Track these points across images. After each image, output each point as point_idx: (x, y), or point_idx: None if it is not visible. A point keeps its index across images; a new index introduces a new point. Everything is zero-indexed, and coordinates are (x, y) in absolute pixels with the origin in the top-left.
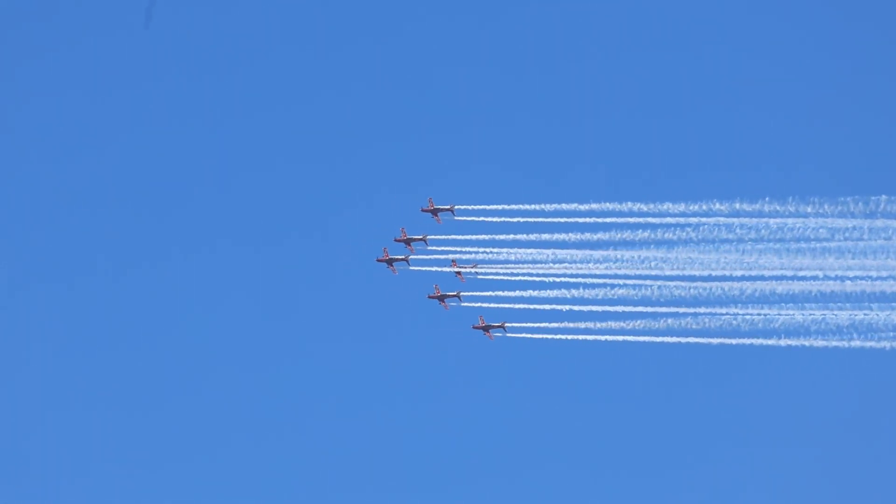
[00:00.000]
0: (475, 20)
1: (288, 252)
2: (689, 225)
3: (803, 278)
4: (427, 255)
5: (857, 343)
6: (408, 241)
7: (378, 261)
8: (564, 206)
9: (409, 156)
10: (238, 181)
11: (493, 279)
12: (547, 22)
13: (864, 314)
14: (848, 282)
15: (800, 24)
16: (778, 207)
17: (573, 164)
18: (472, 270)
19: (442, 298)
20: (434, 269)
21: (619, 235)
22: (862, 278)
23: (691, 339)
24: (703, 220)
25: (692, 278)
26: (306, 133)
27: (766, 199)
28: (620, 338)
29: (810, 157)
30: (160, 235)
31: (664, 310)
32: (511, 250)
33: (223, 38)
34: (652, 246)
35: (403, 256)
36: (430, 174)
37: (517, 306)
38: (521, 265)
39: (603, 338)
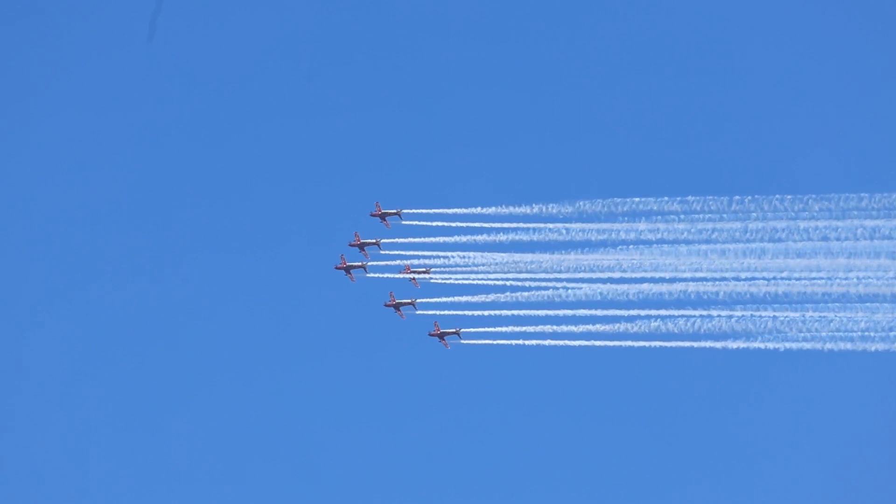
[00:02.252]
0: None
1: (254, 262)
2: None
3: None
4: (382, 260)
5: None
6: (361, 246)
7: (336, 268)
8: (513, 210)
9: (355, 159)
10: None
11: (446, 283)
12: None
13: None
14: (850, 283)
15: (799, 22)
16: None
17: (525, 166)
18: (426, 275)
19: (397, 307)
20: (391, 275)
21: (577, 236)
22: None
23: (655, 343)
24: (658, 224)
25: (652, 280)
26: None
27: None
28: (579, 342)
29: (812, 155)
30: (161, 245)
31: (624, 312)
32: (463, 254)
33: (225, 50)
34: (608, 248)
35: (360, 263)
36: (377, 179)
37: (471, 313)
38: (474, 269)
39: (560, 342)
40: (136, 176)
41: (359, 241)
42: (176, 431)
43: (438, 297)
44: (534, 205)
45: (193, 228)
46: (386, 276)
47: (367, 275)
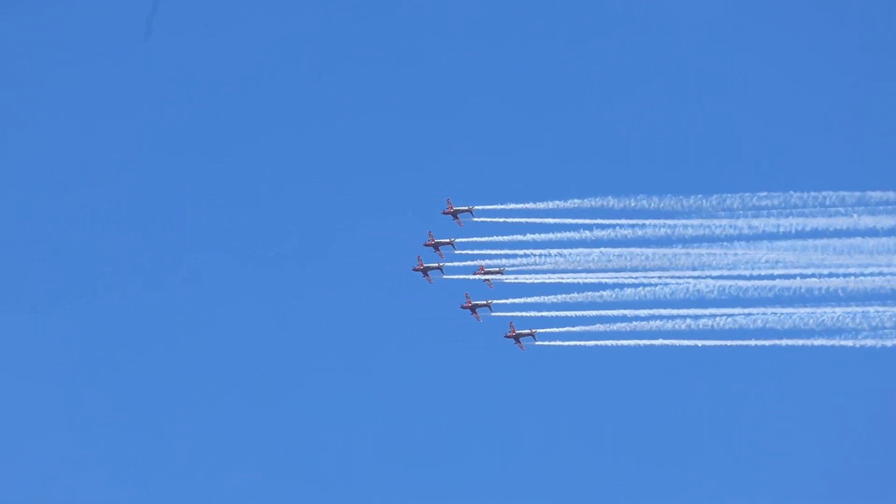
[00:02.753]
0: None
1: (316, 267)
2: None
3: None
4: (457, 260)
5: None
6: (436, 246)
7: (414, 270)
8: (588, 204)
9: (423, 159)
10: (255, 193)
11: (521, 283)
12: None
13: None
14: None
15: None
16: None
17: (587, 160)
18: (499, 276)
19: (473, 309)
20: (466, 276)
21: (640, 233)
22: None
23: (726, 342)
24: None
25: (732, 277)
26: (314, 145)
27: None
28: (657, 341)
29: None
30: (160, 252)
31: (700, 311)
32: (539, 251)
33: (224, 48)
34: (676, 244)
35: (437, 265)
36: (446, 176)
37: (547, 314)
38: (550, 267)
39: (638, 342)
40: (135, 175)
41: (433, 240)
42: (228, 429)
43: (514, 298)
44: (609, 198)
45: (211, 230)
46: (462, 277)
47: (444, 276)
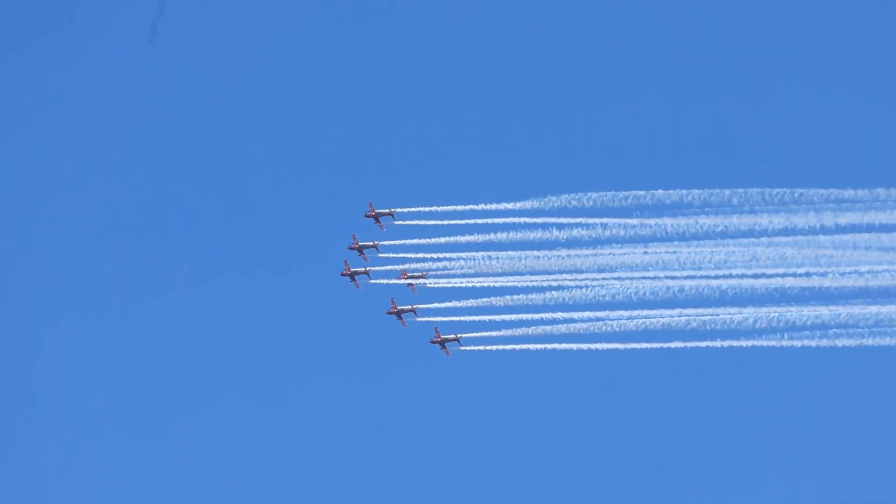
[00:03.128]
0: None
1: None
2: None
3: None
4: (384, 264)
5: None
6: (360, 249)
7: (342, 275)
8: (509, 206)
9: (346, 158)
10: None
11: (445, 287)
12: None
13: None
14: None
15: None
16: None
17: (516, 161)
18: (423, 280)
19: (399, 314)
20: (392, 281)
21: (571, 234)
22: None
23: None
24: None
25: (656, 278)
26: (314, 148)
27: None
28: (584, 345)
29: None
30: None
31: (631, 313)
32: (462, 254)
33: (227, 52)
34: (606, 244)
35: (364, 269)
36: (370, 176)
37: (470, 318)
38: (473, 270)
39: (561, 346)
40: (136, 179)
41: (357, 244)
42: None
43: (439, 303)
44: (531, 200)
45: (198, 239)
46: (391, 281)
47: (371, 281)
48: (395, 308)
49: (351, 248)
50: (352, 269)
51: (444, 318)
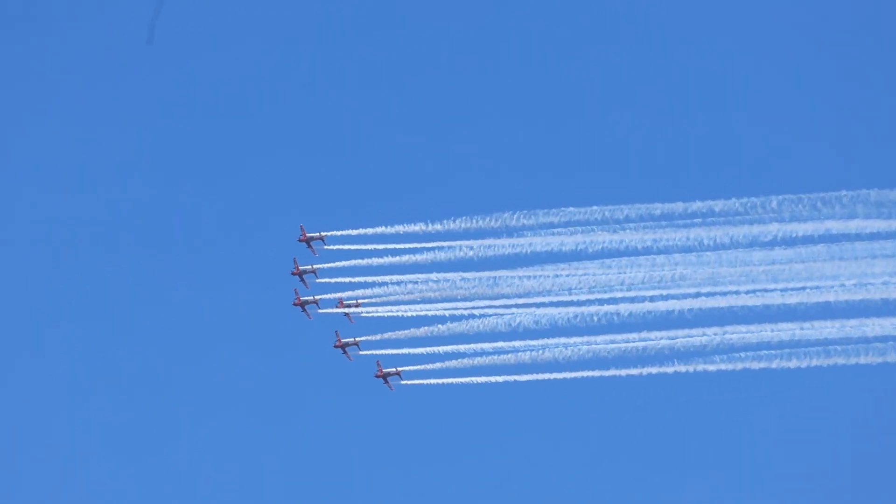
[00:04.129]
0: None
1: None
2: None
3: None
4: (325, 291)
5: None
6: (301, 275)
7: (294, 304)
8: (442, 227)
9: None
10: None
11: (381, 316)
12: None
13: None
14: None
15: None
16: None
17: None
18: (357, 310)
19: (344, 348)
20: (332, 310)
21: (508, 251)
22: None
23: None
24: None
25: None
26: (314, 150)
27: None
28: (528, 376)
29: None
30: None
31: (570, 340)
32: (397, 277)
33: (226, 55)
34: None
35: (313, 298)
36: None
37: (407, 351)
38: (406, 298)
39: (499, 378)
40: (137, 183)
41: (298, 269)
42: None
43: (381, 334)
44: (466, 218)
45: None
46: (330, 310)
47: (320, 310)
48: (340, 341)
49: (293, 274)
50: (302, 299)
51: (383, 351)
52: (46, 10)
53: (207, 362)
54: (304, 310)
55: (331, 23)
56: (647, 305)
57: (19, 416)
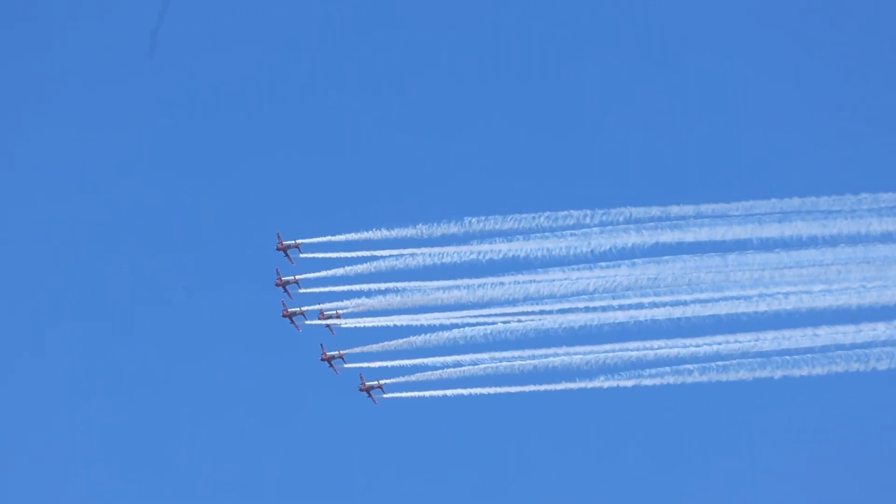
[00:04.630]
0: None
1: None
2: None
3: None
4: (308, 303)
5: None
6: (284, 286)
7: (283, 316)
8: (427, 231)
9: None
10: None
11: (360, 328)
12: None
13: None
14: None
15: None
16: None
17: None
18: (338, 321)
19: (330, 361)
20: (315, 322)
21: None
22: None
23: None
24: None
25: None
26: (314, 155)
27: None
28: (514, 388)
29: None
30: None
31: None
32: (378, 285)
33: (228, 65)
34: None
35: (300, 310)
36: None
37: (387, 363)
38: (383, 307)
39: (483, 390)
40: (137, 187)
41: (281, 280)
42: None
43: (362, 346)
44: (452, 223)
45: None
46: (312, 322)
47: (307, 322)
48: (326, 355)
49: (277, 285)
50: (289, 311)
51: (367, 364)
52: (46, 11)
53: (207, 362)
54: (292, 321)
55: (331, 23)
56: (643, 313)
57: (19, 416)
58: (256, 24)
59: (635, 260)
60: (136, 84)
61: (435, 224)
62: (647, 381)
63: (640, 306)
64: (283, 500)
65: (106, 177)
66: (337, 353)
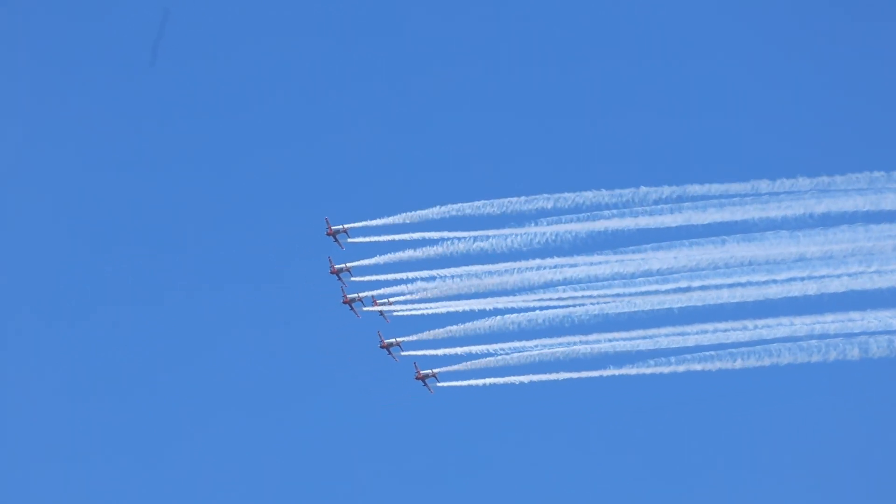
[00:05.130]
0: None
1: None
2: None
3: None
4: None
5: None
6: (338, 274)
7: (343, 303)
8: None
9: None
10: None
11: (413, 314)
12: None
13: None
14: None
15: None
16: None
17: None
18: (390, 308)
19: (388, 348)
20: (368, 308)
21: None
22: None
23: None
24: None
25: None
26: (314, 157)
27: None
28: (574, 374)
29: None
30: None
31: (629, 334)
32: (433, 272)
33: (228, 72)
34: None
35: (358, 296)
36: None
37: (448, 351)
38: (435, 294)
39: (539, 377)
40: (137, 189)
41: (334, 268)
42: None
43: (419, 333)
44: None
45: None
46: (366, 309)
47: (365, 308)
48: (383, 342)
49: (332, 273)
50: (348, 297)
51: (422, 352)
52: (47, 11)
53: (207, 362)
54: (351, 308)
55: (331, 22)
56: (695, 295)
57: (19, 416)
58: (256, 25)
59: (725, 237)
60: (134, 82)
61: (477, 204)
62: (696, 367)
63: (707, 287)
64: (292, 496)
65: (106, 177)
66: (394, 340)
